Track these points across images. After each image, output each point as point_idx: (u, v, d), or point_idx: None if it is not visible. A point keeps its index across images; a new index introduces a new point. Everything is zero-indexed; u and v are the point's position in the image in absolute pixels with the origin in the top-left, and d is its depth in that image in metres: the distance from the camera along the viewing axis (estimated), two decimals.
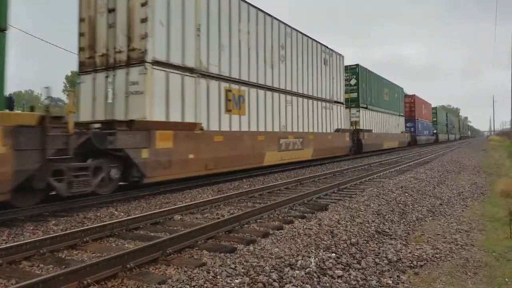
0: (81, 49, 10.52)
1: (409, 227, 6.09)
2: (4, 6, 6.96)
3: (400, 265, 4.32)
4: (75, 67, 11.23)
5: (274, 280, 3.75)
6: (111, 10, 9.92)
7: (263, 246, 4.90)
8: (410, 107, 41.39)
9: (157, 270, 4.22)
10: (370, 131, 26.55)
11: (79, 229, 5.46)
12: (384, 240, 5.28)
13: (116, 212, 7.42)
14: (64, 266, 4.26)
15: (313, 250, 4.66)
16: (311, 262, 4.20)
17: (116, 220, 6.01)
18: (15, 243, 4.72)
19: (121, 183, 9.15)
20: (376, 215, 6.70)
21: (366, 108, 26.48)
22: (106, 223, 5.80)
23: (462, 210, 7.32)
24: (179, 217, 6.78)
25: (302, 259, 4.29)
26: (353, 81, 25.53)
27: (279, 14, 15.14)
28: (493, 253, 4.70)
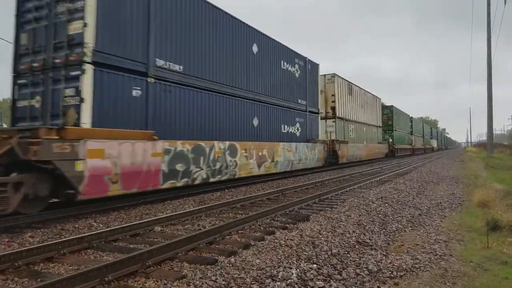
0: None
1: (389, 238, 6.14)
2: None
3: (381, 275, 4.35)
4: None
5: None
6: None
7: (244, 257, 4.87)
8: None
9: (136, 283, 4.14)
10: None
11: (56, 241, 5.32)
12: (364, 251, 5.31)
13: (95, 224, 7.28)
14: (39, 280, 4.14)
15: (295, 261, 4.66)
16: (292, 273, 4.19)
17: (94, 232, 5.89)
18: None
19: None
20: (357, 225, 6.75)
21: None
22: (84, 235, 5.68)
23: (441, 221, 7.44)
24: (160, 229, 6.69)
25: (283, 271, 4.28)
26: None
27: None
28: (471, 263, 4.77)
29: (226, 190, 12.35)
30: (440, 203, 9.48)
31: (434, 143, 79.04)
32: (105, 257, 5.12)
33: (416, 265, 4.68)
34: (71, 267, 4.72)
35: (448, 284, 4.13)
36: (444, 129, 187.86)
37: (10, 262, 4.54)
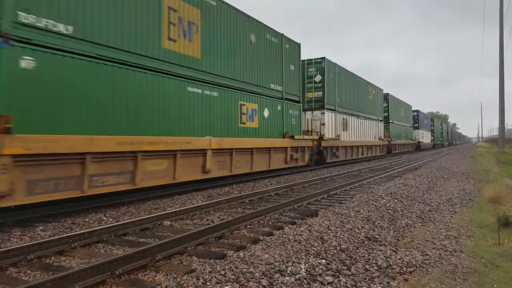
0: None
1: (399, 233, 6.11)
2: None
3: (390, 271, 4.33)
4: None
5: (264, 287, 3.74)
6: None
7: (253, 252, 4.88)
8: None
9: (146, 276, 4.18)
10: None
11: (67, 234, 5.38)
12: (374, 246, 5.29)
13: (104, 218, 7.34)
14: (51, 273, 4.20)
15: (303, 256, 4.66)
16: (301, 269, 4.19)
17: (104, 226, 5.95)
18: (2, 249, 4.64)
19: None
20: (366, 221, 6.72)
21: None
22: (94, 228, 5.74)
23: (451, 216, 7.38)
24: (169, 223, 6.73)
25: (292, 266, 4.28)
26: None
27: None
28: (482, 259, 4.73)
29: (234, 186, 12.38)
30: (451, 198, 9.40)
31: (426, 137, 54.52)
32: (115, 251, 5.18)
33: (426, 261, 4.65)
34: (82, 261, 4.78)
35: (458, 280, 4.10)
36: (454, 124, 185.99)
37: (22, 255, 4.60)
